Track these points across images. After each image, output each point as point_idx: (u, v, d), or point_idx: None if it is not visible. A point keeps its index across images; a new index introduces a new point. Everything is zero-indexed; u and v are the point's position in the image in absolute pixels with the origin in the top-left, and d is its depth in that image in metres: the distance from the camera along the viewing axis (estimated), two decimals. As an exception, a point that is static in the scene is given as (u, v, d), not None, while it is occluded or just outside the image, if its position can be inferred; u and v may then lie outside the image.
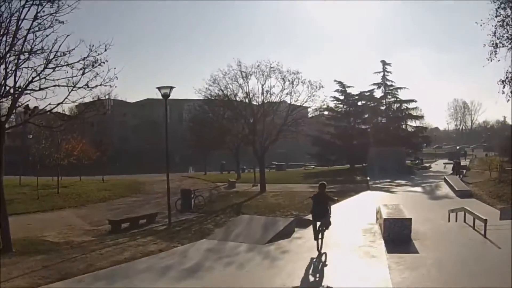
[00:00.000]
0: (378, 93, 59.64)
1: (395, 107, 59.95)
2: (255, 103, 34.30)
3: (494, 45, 19.25)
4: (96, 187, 34.51)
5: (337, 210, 18.58)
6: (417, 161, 59.57)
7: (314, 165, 60.71)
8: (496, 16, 19.09)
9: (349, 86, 57.81)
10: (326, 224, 12.99)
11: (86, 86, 14.41)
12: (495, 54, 19.30)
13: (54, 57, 14.13)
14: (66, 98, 14.48)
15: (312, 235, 12.82)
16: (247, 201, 27.44)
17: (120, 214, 23.19)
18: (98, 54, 14.24)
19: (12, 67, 14.01)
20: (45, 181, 34.51)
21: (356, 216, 19.59)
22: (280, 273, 10.97)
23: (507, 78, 19.05)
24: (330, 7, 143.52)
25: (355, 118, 58.36)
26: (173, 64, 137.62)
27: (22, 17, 13.85)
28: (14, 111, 15.46)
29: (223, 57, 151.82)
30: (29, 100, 14.64)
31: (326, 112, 54.94)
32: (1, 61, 13.77)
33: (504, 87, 19.20)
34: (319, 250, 12.60)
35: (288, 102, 34.12)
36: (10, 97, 14.19)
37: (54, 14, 13.97)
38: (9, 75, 14.00)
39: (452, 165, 45.78)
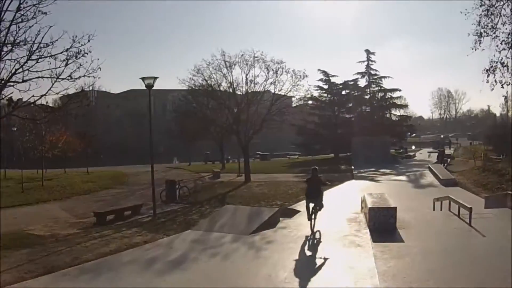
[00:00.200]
0: (362, 82, 60.06)
1: (379, 96, 60.28)
2: (239, 93, 34.29)
3: (479, 34, 19.26)
4: (80, 179, 34.36)
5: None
6: (402, 150, 60.02)
7: (298, 154, 60.88)
8: (480, 6, 19.12)
9: (333, 76, 58.25)
10: (319, 205, 14.29)
11: (69, 77, 14.16)
12: (480, 43, 19.35)
13: (37, 49, 13.84)
14: (49, 89, 14.24)
15: (302, 221, 13.66)
16: (231, 191, 27.46)
17: (105, 206, 23.05)
18: (82, 45, 13.97)
19: (-6, 59, 13.72)
20: (30, 174, 34.26)
21: (341, 205, 19.62)
22: (265, 263, 10.95)
23: (491, 67, 19.12)
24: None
25: (339, 107, 58.64)
26: (157, 54, 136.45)
27: (4, 8, 13.55)
28: (-3, 103, 15.22)
29: (208, 48, 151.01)
30: (12, 93, 14.37)
31: (310, 102, 55.03)
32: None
33: (488, 76, 19.24)
34: (312, 229, 13.91)
35: (272, 91, 34.15)
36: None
37: (37, 5, 13.68)
38: (-8, 67, 13.70)
39: (436, 154, 46.22)
